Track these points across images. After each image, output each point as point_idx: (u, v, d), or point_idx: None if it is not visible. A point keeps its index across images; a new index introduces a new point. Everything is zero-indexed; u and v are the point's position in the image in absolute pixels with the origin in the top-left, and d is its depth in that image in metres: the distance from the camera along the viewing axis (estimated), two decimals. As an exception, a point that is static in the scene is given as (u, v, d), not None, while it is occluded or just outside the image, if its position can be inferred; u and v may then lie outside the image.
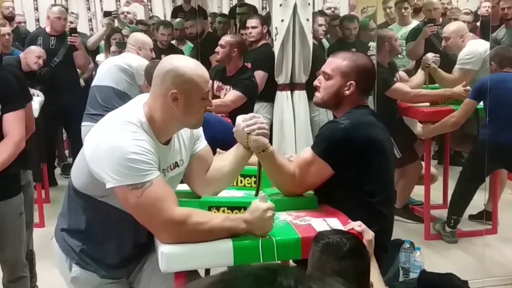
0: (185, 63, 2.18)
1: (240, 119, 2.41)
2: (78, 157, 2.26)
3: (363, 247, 2.01)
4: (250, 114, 2.44)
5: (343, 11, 7.36)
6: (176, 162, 2.31)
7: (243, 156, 2.43)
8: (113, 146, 2.06)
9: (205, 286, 0.77)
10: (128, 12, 7.22)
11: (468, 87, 4.55)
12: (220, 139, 2.75)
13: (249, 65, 5.04)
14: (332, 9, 6.76)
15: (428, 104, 4.77)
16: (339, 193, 2.49)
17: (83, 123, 4.60)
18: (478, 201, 4.59)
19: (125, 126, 2.10)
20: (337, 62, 2.58)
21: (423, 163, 4.86)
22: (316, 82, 2.65)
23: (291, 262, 2.66)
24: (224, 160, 2.46)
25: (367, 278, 1.93)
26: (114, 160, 2.04)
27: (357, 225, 2.23)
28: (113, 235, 2.29)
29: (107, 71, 4.64)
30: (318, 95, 2.64)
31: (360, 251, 1.93)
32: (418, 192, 5.06)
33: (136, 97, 2.34)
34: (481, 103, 4.30)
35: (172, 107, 2.13)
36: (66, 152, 6.87)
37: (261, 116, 2.46)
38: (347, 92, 2.55)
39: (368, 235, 2.20)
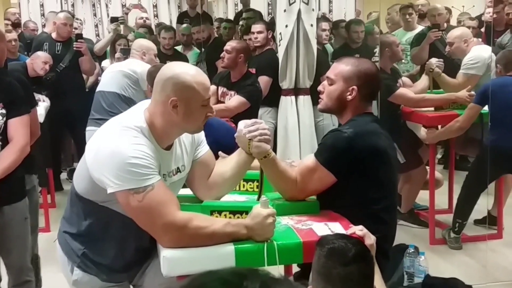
0: (185, 70, 2.18)
1: (242, 124, 2.41)
2: (80, 163, 2.27)
3: (368, 251, 2.03)
4: (252, 120, 2.44)
5: (350, 16, 7.38)
6: (178, 168, 2.32)
7: (245, 161, 2.43)
8: (113, 151, 2.07)
9: None
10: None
11: (472, 92, 4.55)
12: (223, 143, 2.76)
13: (253, 70, 5.06)
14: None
15: (432, 109, 4.77)
16: (342, 200, 2.48)
17: (87, 128, 4.63)
18: (484, 206, 4.58)
19: (125, 131, 2.12)
20: (340, 67, 2.58)
21: (428, 167, 4.86)
22: (320, 87, 2.65)
23: (294, 267, 2.67)
24: (226, 165, 2.47)
25: (372, 283, 1.94)
26: (114, 165, 2.05)
27: (359, 229, 2.23)
28: (115, 239, 2.29)
29: (112, 77, 4.66)
30: (321, 101, 2.64)
31: (365, 256, 1.96)
32: (423, 197, 5.06)
33: (138, 103, 2.35)
34: (486, 107, 4.30)
35: (172, 114, 2.13)
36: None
37: (263, 121, 2.45)
38: (349, 97, 2.54)
39: (370, 239, 2.20)
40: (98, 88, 4.78)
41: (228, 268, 0.82)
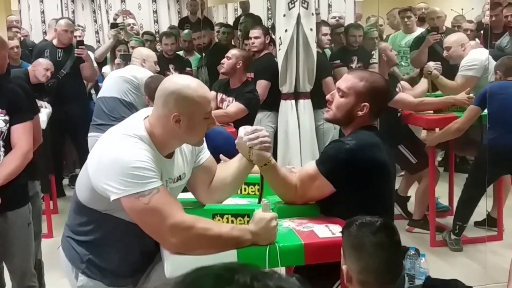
0: (187, 84, 2.17)
1: (242, 131, 2.42)
2: (81, 172, 2.28)
3: (392, 223, 2.18)
4: (253, 128, 2.45)
5: (349, 20, 7.42)
6: (179, 176, 2.34)
7: (246, 167, 2.45)
8: (114, 159, 2.08)
9: (170, 286, 0.83)
10: (134, 24, 7.29)
11: (471, 95, 4.58)
12: (222, 151, 2.77)
13: (252, 74, 5.09)
14: (337, 18, 6.81)
15: (431, 111, 4.79)
16: (338, 211, 2.46)
17: (89, 134, 4.65)
18: (484, 208, 4.60)
19: (125, 138, 2.13)
20: (353, 81, 2.51)
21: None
22: (328, 97, 2.59)
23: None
24: (227, 170, 2.48)
25: (401, 250, 2.09)
26: (116, 172, 2.06)
27: None
28: (119, 245, 2.31)
29: (113, 83, 4.70)
30: (329, 112, 2.58)
31: (391, 225, 2.10)
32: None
33: (138, 112, 2.37)
34: (486, 110, 4.32)
35: (174, 127, 2.14)
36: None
37: (263, 128, 2.46)
38: (360, 113, 2.50)
39: None
40: (99, 95, 4.82)
41: (219, 264, 0.85)
